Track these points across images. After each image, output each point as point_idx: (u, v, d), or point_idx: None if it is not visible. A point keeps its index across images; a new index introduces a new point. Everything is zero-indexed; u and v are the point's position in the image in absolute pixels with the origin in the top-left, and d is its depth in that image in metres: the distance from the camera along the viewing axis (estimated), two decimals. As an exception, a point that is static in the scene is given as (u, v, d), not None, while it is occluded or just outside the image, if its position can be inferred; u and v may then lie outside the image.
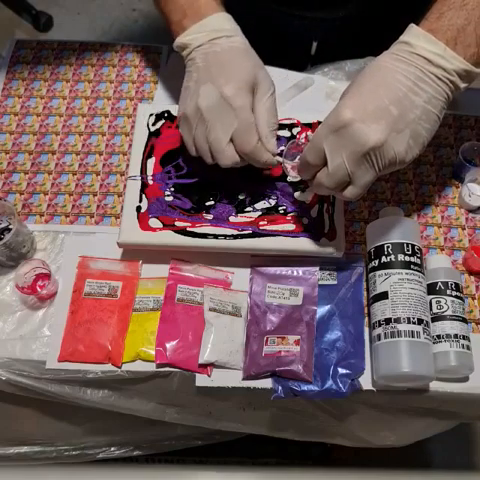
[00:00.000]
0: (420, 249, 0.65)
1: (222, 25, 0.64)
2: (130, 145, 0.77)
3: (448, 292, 0.64)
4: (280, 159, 0.64)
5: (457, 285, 0.65)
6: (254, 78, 0.62)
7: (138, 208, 0.68)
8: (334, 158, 0.54)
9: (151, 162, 0.72)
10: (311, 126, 0.75)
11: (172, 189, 0.70)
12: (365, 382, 0.64)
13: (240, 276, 0.69)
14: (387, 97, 0.53)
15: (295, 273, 0.69)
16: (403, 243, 0.64)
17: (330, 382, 0.63)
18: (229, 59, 0.62)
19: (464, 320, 0.64)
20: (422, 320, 0.61)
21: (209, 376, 0.64)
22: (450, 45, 0.53)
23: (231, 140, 0.61)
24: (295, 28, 0.89)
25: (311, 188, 0.61)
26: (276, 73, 0.83)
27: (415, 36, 0.55)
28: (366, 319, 0.67)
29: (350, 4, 0.83)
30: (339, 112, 0.53)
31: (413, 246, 0.64)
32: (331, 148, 0.54)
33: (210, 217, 0.68)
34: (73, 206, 0.74)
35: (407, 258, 0.63)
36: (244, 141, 0.61)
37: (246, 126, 0.60)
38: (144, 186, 0.70)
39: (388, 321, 0.61)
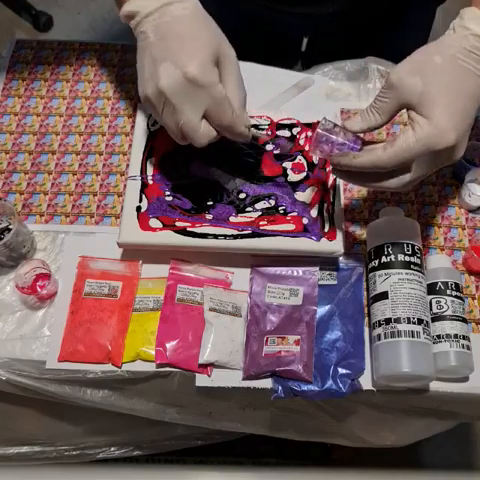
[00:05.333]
0: (420, 249, 0.65)
1: None
2: (130, 145, 0.77)
3: (448, 292, 0.64)
4: (254, 131, 0.65)
5: (457, 285, 0.65)
6: (217, 49, 0.58)
7: (138, 208, 0.68)
8: (421, 171, 0.54)
9: (151, 162, 0.72)
10: (311, 126, 0.75)
11: (172, 189, 0.70)
12: (365, 382, 0.64)
13: (240, 276, 0.69)
14: (474, 110, 0.53)
15: (295, 273, 0.69)
16: (403, 243, 0.64)
17: (330, 382, 0.63)
18: (185, 31, 0.57)
19: (464, 320, 0.64)
20: (422, 320, 0.61)
21: (209, 376, 0.64)
22: None
23: (204, 117, 0.59)
24: (285, 24, 0.88)
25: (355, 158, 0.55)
26: (276, 73, 0.83)
27: None
28: (366, 319, 0.67)
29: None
30: (444, 137, 0.51)
31: (413, 246, 0.64)
32: (422, 165, 0.53)
33: (210, 217, 0.68)
34: (73, 206, 0.74)
35: (407, 258, 0.63)
36: (220, 114, 0.59)
37: (220, 100, 0.58)
38: (144, 186, 0.70)
39: (388, 321, 0.61)
